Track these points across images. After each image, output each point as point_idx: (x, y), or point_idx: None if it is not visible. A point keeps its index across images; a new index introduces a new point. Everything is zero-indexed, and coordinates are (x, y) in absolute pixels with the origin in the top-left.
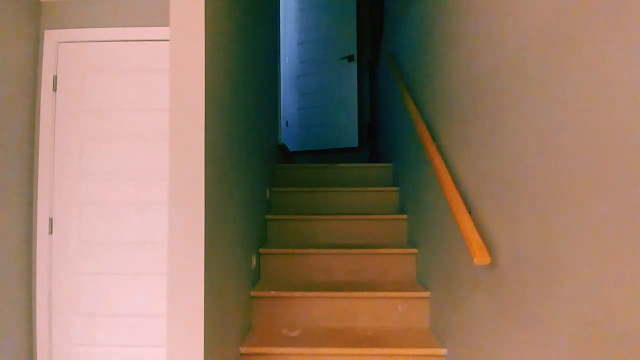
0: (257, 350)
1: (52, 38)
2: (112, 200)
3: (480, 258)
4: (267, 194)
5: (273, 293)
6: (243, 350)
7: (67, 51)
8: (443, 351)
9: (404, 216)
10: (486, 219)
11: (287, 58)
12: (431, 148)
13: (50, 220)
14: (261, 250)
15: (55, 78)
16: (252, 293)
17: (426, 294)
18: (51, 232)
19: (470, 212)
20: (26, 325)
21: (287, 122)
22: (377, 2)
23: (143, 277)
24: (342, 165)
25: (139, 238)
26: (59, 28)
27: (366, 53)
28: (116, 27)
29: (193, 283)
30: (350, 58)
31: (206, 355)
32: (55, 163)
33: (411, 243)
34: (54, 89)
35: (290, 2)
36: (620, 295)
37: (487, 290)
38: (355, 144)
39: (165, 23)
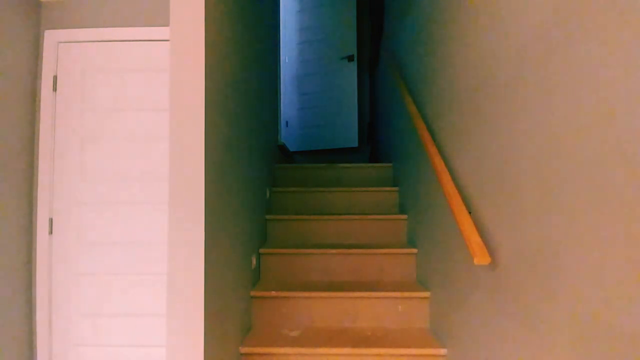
0: (257, 350)
1: (52, 38)
2: (111, 200)
3: (480, 258)
4: (267, 194)
5: (273, 293)
6: (243, 350)
7: (67, 51)
8: (443, 351)
9: (404, 216)
10: (486, 219)
11: (287, 58)
12: (431, 148)
13: (50, 220)
14: (261, 250)
15: (55, 78)
16: (252, 293)
17: (426, 294)
18: (51, 232)
19: (470, 212)
20: (26, 325)
21: (287, 122)
22: (377, 2)
23: (143, 277)
24: (342, 165)
25: (139, 238)
26: (59, 28)
27: (366, 53)
28: (116, 27)
29: (193, 283)
30: (350, 58)
31: (206, 355)
32: (55, 163)
33: (411, 243)
34: (54, 89)
35: (290, 2)
36: (620, 295)
37: (487, 290)
38: (355, 144)
39: (165, 23)
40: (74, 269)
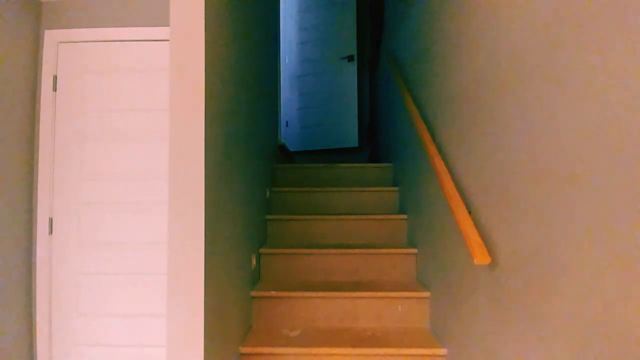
0: (257, 350)
1: (52, 38)
2: (112, 200)
3: (480, 258)
4: (267, 194)
5: (273, 293)
6: (243, 350)
7: (67, 51)
8: (443, 351)
9: (404, 216)
10: (486, 219)
11: (287, 58)
12: (431, 148)
13: (50, 220)
14: (261, 250)
15: (55, 78)
16: (252, 293)
17: (426, 294)
18: (51, 232)
19: (470, 212)
20: (26, 325)
21: (287, 122)
22: (377, 2)
23: (143, 277)
24: (342, 165)
25: (139, 238)
26: (59, 28)
27: (366, 53)
28: (116, 27)
29: (193, 283)
30: (350, 58)
31: (206, 355)
32: (55, 163)
33: (411, 243)
34: (54, 89)
35: (290, 2)
36: (621, 295)
37: (487, 290)
38: (355, 144)
39: (165, 23)
40: (74, 269)
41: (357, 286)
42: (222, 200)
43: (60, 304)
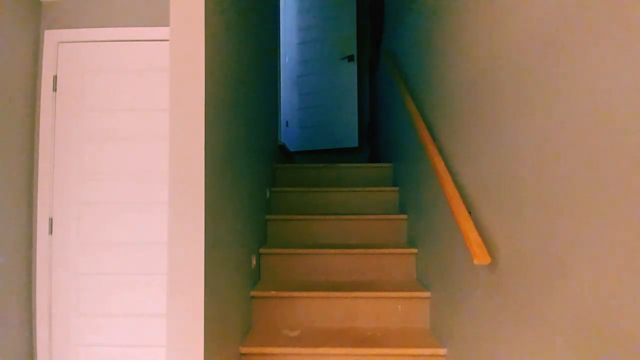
0: (257, 350)
1: (52, 38)
2: (112, 200)
3: (480, 258)
4: (267, 194)
5: (273, 293)
6: (243, 350)
7: (67, 51)
8: (443, 351)
9: (404, 216)
10: (486, 219)
11: (287, 58)
12: (431, 148)
13: (50, 220)
14: (261, 250)
15: (55, 78)
16: (252, 293)
17: (426, 294)
18: (51, 232)
19: (470, 212)
20: (26, 325)
21: (287, 122)
22: (377, 2)
23: (143, 277)
24: (342, 165)
25: (139, 238)
26: (59, 28)
27: (366, 53)
28: (116, 27)
29: (193, 283)
30: (350, 58)
31: (206, 355)
32: (55, 163)
33: (411, 243)
34: (54, 89)
35: (290, 2)
36: (620, 295)
37: (487, 290)
38: (355, 144)
39: (165, 23)
40: (74, 269)
41: (357, 286)
42: (222, 200)
43: (60, 304)
